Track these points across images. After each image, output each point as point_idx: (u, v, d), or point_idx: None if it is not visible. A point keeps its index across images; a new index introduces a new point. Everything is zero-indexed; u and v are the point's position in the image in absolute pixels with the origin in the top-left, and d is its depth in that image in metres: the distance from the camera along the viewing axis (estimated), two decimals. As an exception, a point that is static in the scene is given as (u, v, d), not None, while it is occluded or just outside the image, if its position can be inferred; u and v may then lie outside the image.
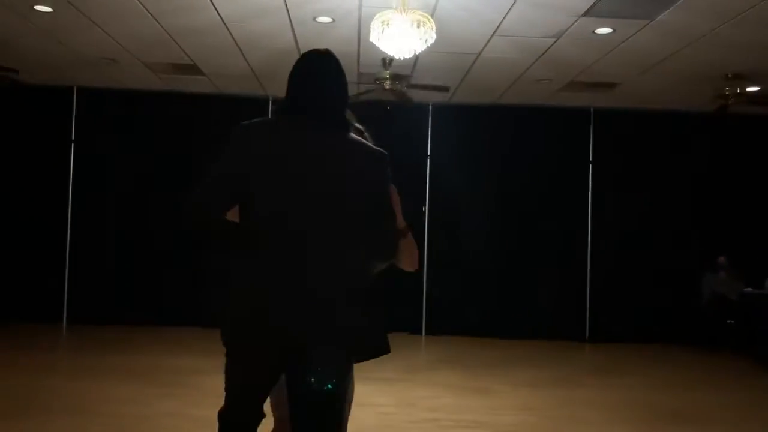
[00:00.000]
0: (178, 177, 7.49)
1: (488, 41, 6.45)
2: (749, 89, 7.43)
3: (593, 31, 6.08)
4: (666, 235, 9.01)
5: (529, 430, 4.75)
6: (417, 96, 7.97)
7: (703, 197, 9.03)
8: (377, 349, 2.24)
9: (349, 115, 2.29)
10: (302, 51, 7.70)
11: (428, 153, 9.24)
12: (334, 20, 6.01)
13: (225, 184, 2.12)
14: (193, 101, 8.70)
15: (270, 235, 2.09)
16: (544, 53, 6.76)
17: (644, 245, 9.01)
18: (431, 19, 4.97)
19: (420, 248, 9.64)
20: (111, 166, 8.82)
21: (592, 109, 9.16)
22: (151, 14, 5.97)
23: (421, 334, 9.01)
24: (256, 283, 2.09)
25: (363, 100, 8.04)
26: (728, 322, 8.63)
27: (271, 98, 8.73)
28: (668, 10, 5.49)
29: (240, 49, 6.89)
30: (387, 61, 6.87)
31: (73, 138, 8.97)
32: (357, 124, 2.32)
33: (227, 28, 6.29)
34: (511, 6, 5.54)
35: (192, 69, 7.73)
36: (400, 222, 2.32)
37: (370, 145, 2.23)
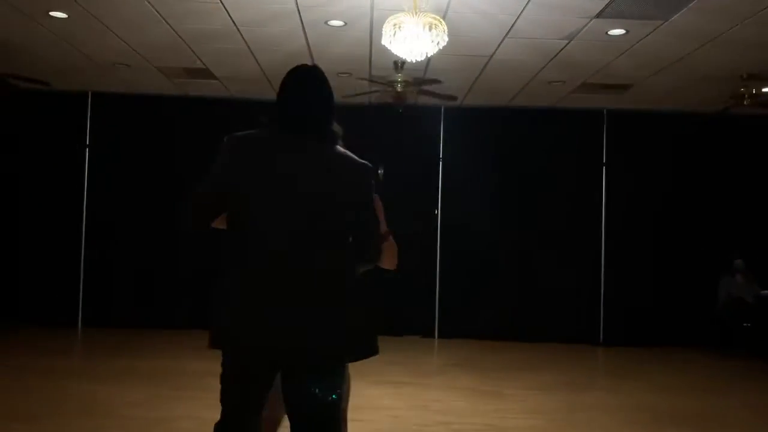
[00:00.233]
0: (191, 180, 7.51)
1: (500, 43, 6.44)
2: (765, 89, 7.36)
3: (606, 33, 6.05)
4: (681, 237, 8.93)
5: (543, 434, 4.74)
6: (429, 99, 7.96)
7: (719, 199, 8.95)
8: (368, 349, 2.31)
9: (336, 127, 2.40)
10: (315, 54, 7.71)
11: (440, 156, 9.23)
12: (346, 23, 6.02)
13: (218, 194, 2.24)
14: (205, 105, 8.75)
15: (260, 245, 2.18)
16: (556, 55, 6.74)
17: (659, 247, 8.94)
18: (443, 22, 4.96)
19: (432, 251, 9.62)
20: (125, 170, 8.88)
21: (605, 111, 9.12)
22: (165, 19, 6.01)
23: (434, 337, 8.99)
24: (247, 291, 2.18)
25: (375, 104, 8.07)
26: (744, 325, 8.55)
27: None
28: (682, 11, 5.46)
29: (252, 53, 6.92)
30: (399, 64, 6.88)
31: (87, 142, 9.05)
32: (337, 131, 2.44)
33: (240, 32, 6.32)
34: (524, 8, 5.53)
35: (205, 73, 7.78)
36: (383, 227, 2.48)
37: (356, 158, 2.33)
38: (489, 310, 8.83)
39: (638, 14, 5.59)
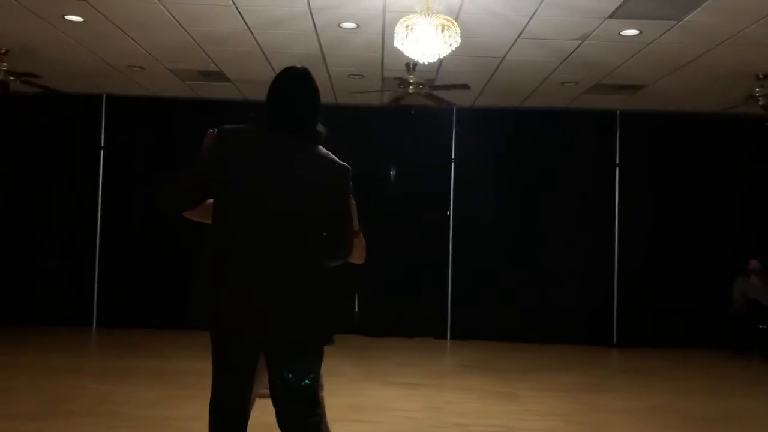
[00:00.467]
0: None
1: (513, 44, 6.43)
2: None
3: (619, 33, 6.03)
4: (695, 238, 8.87)
5: (557, 436, 4.72)
6: (442, 97, 7.94)
7: (733, 200, 8.88)
8: (329, 338, 2.52)
9: (320, 128, 2.49)
10: (327, 56, 7.71)
11: (452, 156, 9.22)
12: (358, 25, 6.04)
13: (198, 182, 2.40)
14: (218, 107, 8.78)
15: (241, 238, 2.33)
16: (569, 56, 6.72)
17: (673, 248, 8.88)
18: (455, 23, 4.96)
19: (444, 252, 9.58)
20: (139, 172, 8.94)
21: (618, 112, 9.08)
22: (179, 23, 6.05)
23: (446, 339, 8.97)
24: (228, 283, 2.32)
25: (388, 105, 8.07)
26: (760, 327, 8.47)
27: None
28: (696, 11, 5.42)
29: (265, 56, 6.95)
30: (411, 66, 6.88)
31: (102, 144, 9.13)
32: (322, 132, 2.53)
33: (253, 35, 6.35)
34: (536, 9, 5.52)
35: (218, 76, 7.82)
36: (355, 225, 2.64)
37: (337, 159, 2.46)
38: (501, 312, 8.80)
39: (652, 14, 5.56)
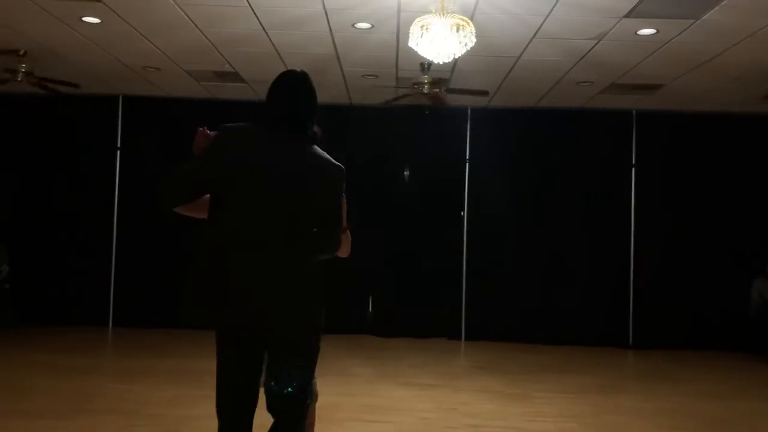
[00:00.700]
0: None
1: (528, 44, 6.40)
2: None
3: (636, 32, 5.98)
4: (712, 238, 8.78)
5: (572, 438, 4.69)
6: (455, 100, 7.94)
7: (751, 200, 8.78)
8: (318, 329, 2.60)
9: (316, 128, 2.63)
10: (341, 57, 7.73)
11: (467, 157, 9.19)
12: (373, 26, 6.04)
13: (197, 179, 2.47)
14: (234, 108, 8.83)
15: (237, 234, 2.40)
16: (585, 55, 6.68)
17: (689, 250, 8.80)
18: (470, 23, 4.95)
19: (458, 253, 9.59)
20: (155, 172, 8.96)
21: (634, 112, 9.01)
22: (195, 24, 6.09)
23: (460, 340, 8.95)
24: (230, 281, 2.40)
25: (402, 105, 8.06)
26: (778, 329, 8.38)
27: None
28: (713, 10, 5.37)
29: (280, 57, 6.97)
30: (425, 66, 6.87)
31: (119, 145, 9.20)
32: (317, 132, 2.66)
33: (268, 35, 6.37)
34: (552, 8, 5.49)
35: (233, 76, 7.86)
36: (344, 222, 2.77)
37: (332, 159, 2.58)
38: (516, 312, 8.77)
39: (668, 13, 5.52)
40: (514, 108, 8.95)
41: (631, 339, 8.86)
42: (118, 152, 9.19)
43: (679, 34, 5.96)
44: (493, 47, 6.44)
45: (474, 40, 4.95)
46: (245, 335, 2.50)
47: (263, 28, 6.16)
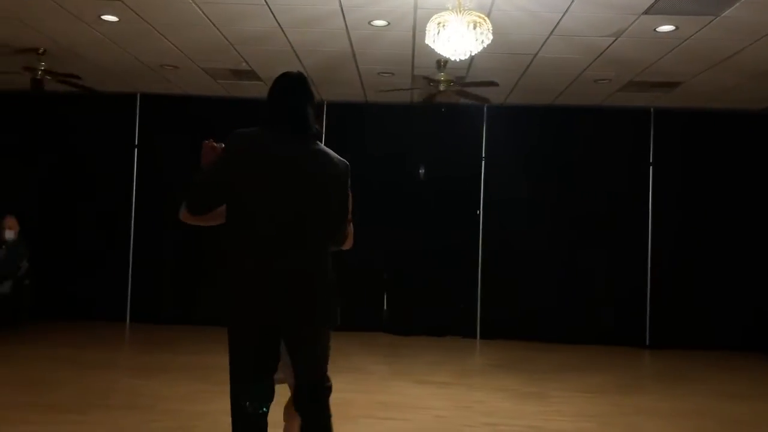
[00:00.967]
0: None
1: (545, 41, 6.37)
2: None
3: (655, 29, 5.92)
4: (731, 237, 8.69)
5: (588, 437, 4.67)
6: (475, 93, 7.90)
7: (771, 199, 8.69)
8: (334, 319, 2.69)
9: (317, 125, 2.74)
10: (357, 55, 7.73)
11: (483, 155, 9.16)
12: (389, 23, 6.03)
13: (218, 188, 2.58)
14: (250, 106, 8.84)
15: (255, 236, 2.51)
16: (603, 53, 6.63)
17: (707, 248, 8.71)
18: (487, 20, 4.93)
19: (474, 252, 9.55)
20: (172, 169, 9.06)
21: (652, 110, 8.93)
22: (212, 22, 6.12)
23: (476, 338, 8.93)
24: (249, 276, 2.50)
25: (417, 103, 8.06)
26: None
27: (325, 103, 8.83)
28: (734, 6, 5.30)
29: (297, 55, 6.98)
30: (442, 63, 6.86)
31: (136, 142, 9.27)
32: (318, 129, 2.77)
33: (284, 33, 6.38)
34: (570, 5, 5.45)
35: (250, 75, 7.89)
36: (349, 216, 2.85)
37: (336, 155, 2.69)
38: (532, 311, 8.72)
39: (688, 10, 5.46)
40: (530, 106, 8.90)
41: (647, 339, 8.79)
42: (136, 150, 9.27)
43: (699, 30, 5.89)
44: (509, 44, 6.41)
45: (491, 37, 4.93)
46: (265, 331, 2.58)
47: (280, 25, 6.17)
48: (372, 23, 6.05)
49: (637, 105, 8.74)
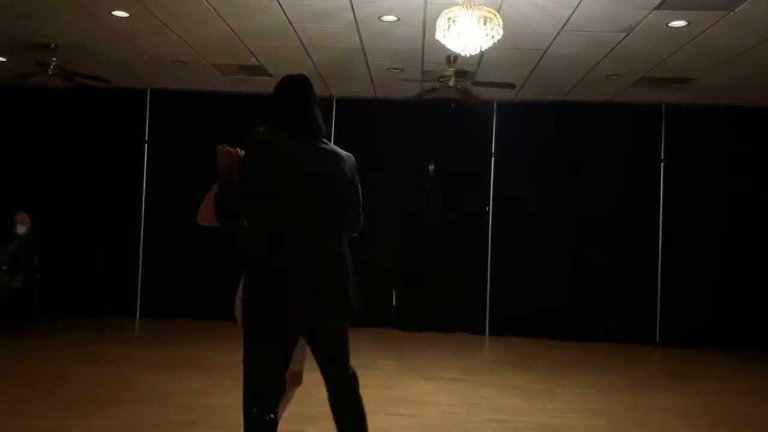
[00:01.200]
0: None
1: (556, 37, 6.33)
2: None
3: (667, 25, 5.87)
4: (742, 235, 8.62)
5: (598, 435, 4.65)
6: (481, 93, 7.88)
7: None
8: (355, 308, 2.77)
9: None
10: (367, 50, 7.71)
11: (493, 151, 9.13)
12: (399, 18, 6.01)
13: (250, 198, 2.64)
14: (260, 101, 8.85)
15: (285, 236, 2.59)
16: (614, 48, 6.58)
17: (719, 245, 8.64)
18: (498, 15, 4.90)
19: (483, 247, 9.54)
20: (182, 165, 9.09)
21: (663, 105, 8.86)
22: (222, 18, 6.12)
23: (485, 335, 8.92)
24: (276, 276, 2.58)
25: (427, 98, 8.03)
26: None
27: (335, 99, 8.82)
28: (747, 1, 5.24)
29: (306, 50, 6.98)
30: (452, 59, 6.83)
31: (146, 138, 9.31)
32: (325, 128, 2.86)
33: (294, 29, 6.38)
34: (580, 0, 5.41)
35: (259, 70, 7.89)
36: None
37: (344, 151, 2.79)
38: (540, 308, 8.70)
39: (701, 5, 5.41)
40: (541, 101, 8.86)
41: (658, 336, 8.75)
42: (146, 145, 9.30)
43: (712, 26, 5.84)
44: (520, 40, 6.38)
45: (501, 32, 4.90)
46: (284, 333, 2.68)
47: (289, 21, 6.17)
48: (382, 18, 6.03)
49: (648, 101, 8.68)
